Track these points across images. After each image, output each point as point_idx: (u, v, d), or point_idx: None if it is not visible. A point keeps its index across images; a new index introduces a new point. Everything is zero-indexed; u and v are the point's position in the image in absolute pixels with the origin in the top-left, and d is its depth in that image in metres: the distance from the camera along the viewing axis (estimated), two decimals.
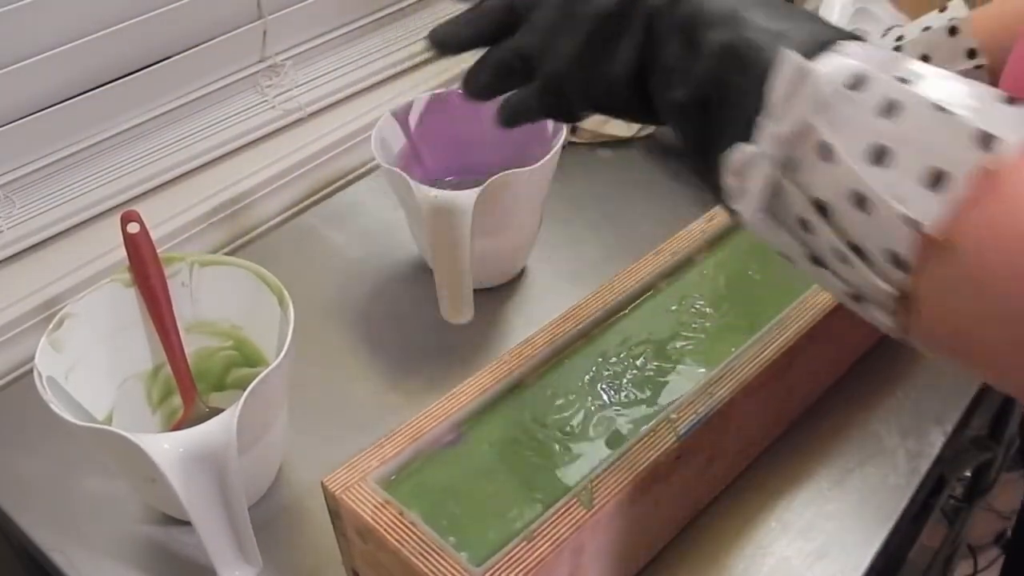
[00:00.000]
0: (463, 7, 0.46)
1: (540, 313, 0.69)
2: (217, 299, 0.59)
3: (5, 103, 0.68)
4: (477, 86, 0.44)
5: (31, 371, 0.51)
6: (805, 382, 0.58)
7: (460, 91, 0.46)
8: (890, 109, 0.30)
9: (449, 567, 0.42)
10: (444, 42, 0.45)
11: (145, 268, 0.57)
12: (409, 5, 0.97)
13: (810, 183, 0.32)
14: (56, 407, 0.48)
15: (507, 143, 0.73)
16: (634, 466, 0.46)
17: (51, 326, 0.53)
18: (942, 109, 0.29)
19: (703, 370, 0.53)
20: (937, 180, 0.29)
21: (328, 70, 0.89)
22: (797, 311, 0.55)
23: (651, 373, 0.53)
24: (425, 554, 0.43)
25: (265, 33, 0.83)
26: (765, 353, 0.53)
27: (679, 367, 0.53)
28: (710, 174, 0.36)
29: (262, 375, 0.48)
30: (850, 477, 0.56)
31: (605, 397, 0.51)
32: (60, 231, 0.73)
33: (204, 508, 0.46)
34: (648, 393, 0.51)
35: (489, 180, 0.60)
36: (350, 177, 0.88)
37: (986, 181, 0.28)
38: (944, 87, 0.30)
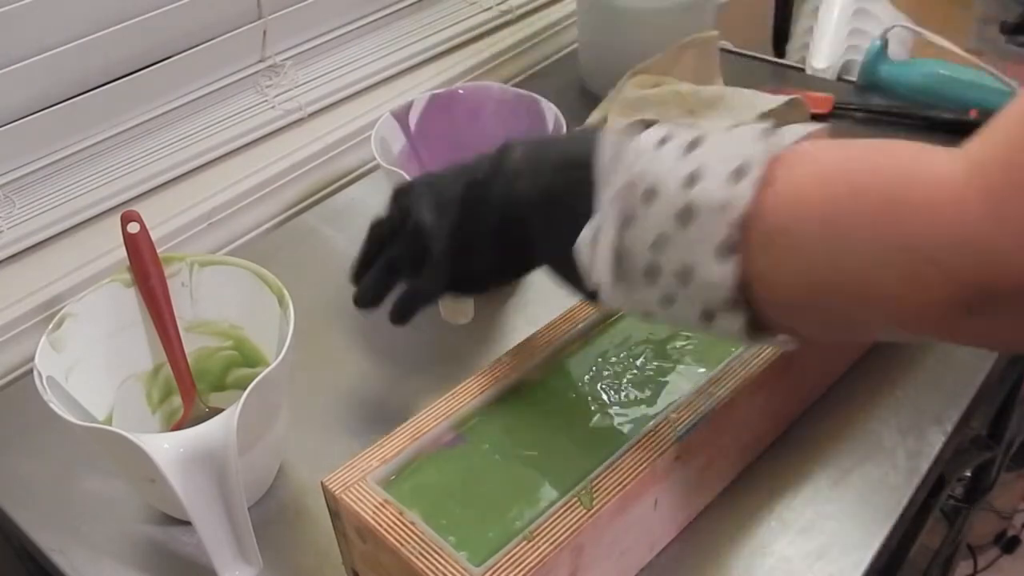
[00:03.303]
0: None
1: (540, 313, 0.69)
2: (217, 299, 0.59)
3: (5, 103, 0.69)
4: (365, 300, 0.54)
5: (31, 371, 0.51)
6: (805, 382, 0.58)
7: (354, 303, 0.54)
8: (693, 144, 0.39)
9: (449, 567, 0.42)
10: (364, 301, 0.54)
11: (145, 268, 0.57)
12: (409, 5, 0.97)
13: (645, 227, 0.39)
14: (56, 407, 0.48)
15: None
16: (634, 466, 0.46)
17: (51, 326, 0.53)
18: (734, 127, 0.38)
19: (703, 370, 0.53)
20: (739, 173, 0.36)
21: (328, 70, 0.90)
22: None
23: (651, 373, 0.53)
24: (425, 554, 0.43)
25: (265, 33, 0.83)
26: (765, 353, 0.53)
27: (679, 367, 0.53)
28: (572, 269, 0.43)
29: (262, 375, 0.48)
30: (850, 477, 0.56)
31: (605, 397, 0.51)
32: (60, 231, 0.73)
33: (204, 508, 0.46)
34: (648, 393, 0.51)
35: None
36: (350, 177, 0.88)
37: (775, 163, 0.36)
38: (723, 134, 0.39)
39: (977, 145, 0.32)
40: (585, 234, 0.42)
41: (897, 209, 0.33)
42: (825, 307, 0.37)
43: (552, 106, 0.70)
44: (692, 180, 0.38)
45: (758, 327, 0.39)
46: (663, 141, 0.40)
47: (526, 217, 0.46)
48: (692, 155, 0.39)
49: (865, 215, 0.34)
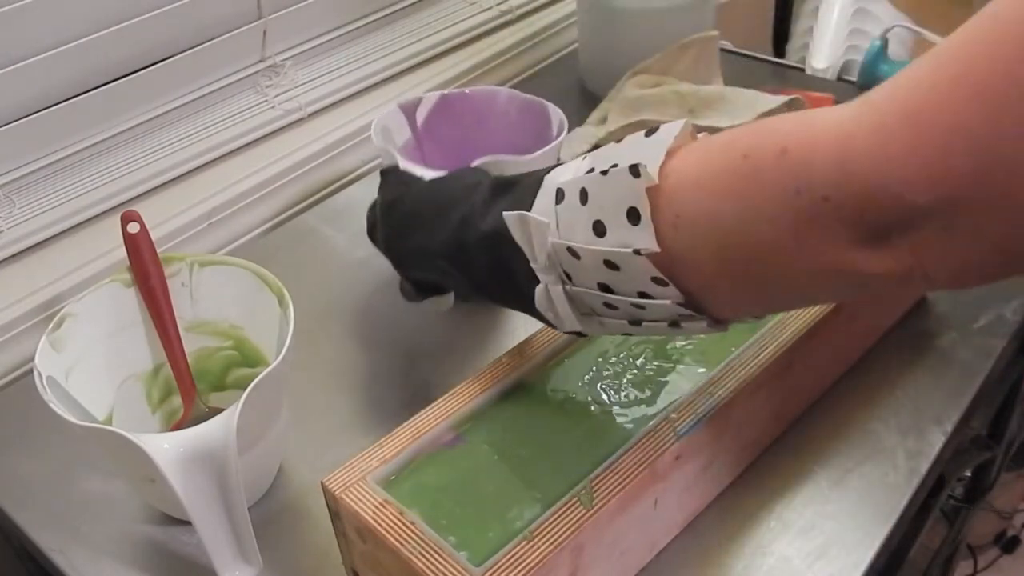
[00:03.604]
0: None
1: None
2: (217, 299, 0.59)
3: (5, 103, 0.69)
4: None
5: (31, 371, 0.51)
6: (805, 382, 0.58)
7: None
8: (584, 196, 0.40)
9: (449, 567, 0.42)
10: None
11: (145, 268, 0.57)
12: (409, 5, 0.97)
13: (585, 278, 0.42)
14: (56, 407, 0.48)
15: (512, 148, 0.73)
16: (634, 466, 0.46)
17: (51, 326, 0.53)
18: (604, 172, 0.39)
19: (703, 370, 0.53)
20: (634, 216, 0.38)
21: (328, 70, 0.90)
22: (797, 311, 0.55)
23: (651, 373, 0.53)
24: (425, 554, 0.43)
25: (265, 33, 0.83)
26: (765, 353, 0.53)
27: (679, 367, 0.53)
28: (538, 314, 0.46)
29: (262, 375, 0.48)
30: (850, 476, 0.56)
31: (605, 397, 0.51)
32: (60, 231, 0.73)
33: (204, 508, 0.46)
34: (648, 393, 0.51)
35: (479, 162, 0.60)
36: (350, 177, 0.88)
37: (653, 194, 0.37)
38: (606, 154, 0.41)
39: (874, 91, 0.32)
40: (539, 297, 0.44)
41: (789, 158, 0.33)
42: (755, 279, 0.37)
43: (558, 111, 0.70)
44: (599, 231, 0.40)
45: (720, 319, 0.40)
46: (559, 198, 0.42)
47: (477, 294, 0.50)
48: (588, 207, 0.40)
49: (760, 171, 0.34)
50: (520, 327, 0.69)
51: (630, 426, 0.49)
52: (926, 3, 1.12)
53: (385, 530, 0.44)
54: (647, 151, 0.38)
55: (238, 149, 0.82)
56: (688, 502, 0.53)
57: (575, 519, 0.44)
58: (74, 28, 0.70)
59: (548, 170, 0.45)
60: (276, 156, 0.83)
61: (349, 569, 0.52)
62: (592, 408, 0.51)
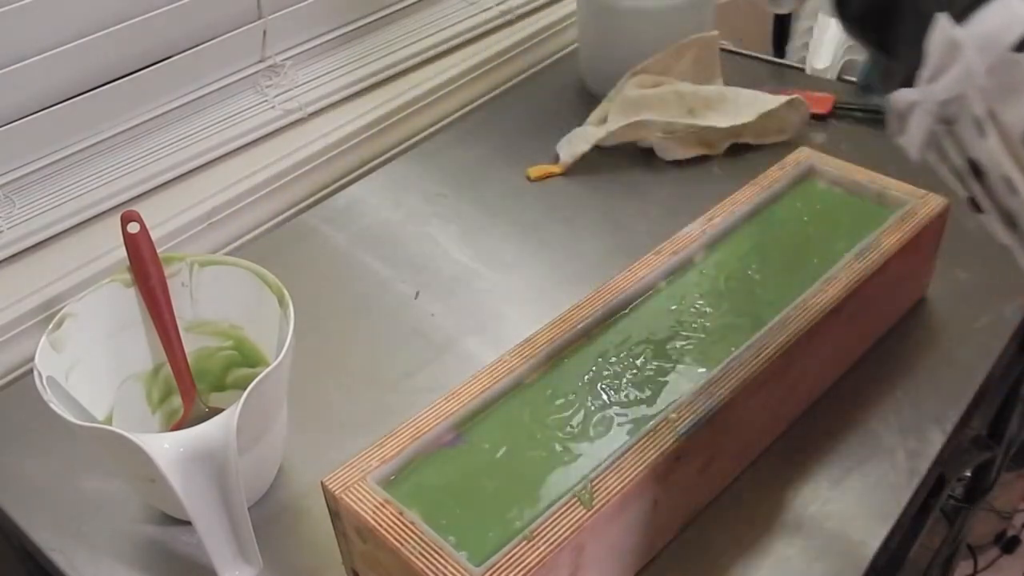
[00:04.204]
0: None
1: (540, 313, 0.69)
2: (217, 299, 0.59)
3: (5, 103, 0.69)
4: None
5: (31, 371, 0.51)
6: (805, 382, 0.58)
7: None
8: None
9: (449, 567, 0.42)
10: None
11: (145, 268, 0.57)
12: (409, 5, 0.97)
13: (966, 144, 0.32)
14: (56, 407, 0.48)
15: None
16: (634, 466, 0.46)
17: (51, 326, 0.53)
18: None
19: (703, 370, 0.53)
20: None
21: (328, 70, 0.90)
22: (797, 311, 0.55)
23: (651, 373, 0.53)
24: (425, 554, 0.43)
25: (265, 33, 0.83)
26: (765, 353, 0.53)
27: (679, 367, 0.53)
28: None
29: (262, 375, 0.48)
30: (850, 476, 0.56)
31: (605, 397, 0.51)
32: (60, 231, 0.73)
33: (204, 508, 0.46)
34: (648, 393, 0.51)
35: None
36: (350, 177, 0.88)
37: None
38: None
39: None
40: (898, 101, 0.34)
41: None
42: None
43: None
44: None
45: None
46: (1021, 47, 0.30)
47: None
48: None
49: None
50: (521, 327, 0.69)
51: (630, 426, 0.50)
52: None
53: (385, 530, 0.44)
54: None
55: (238, 149, 0.82)
56: (688, 502, 0.53)
57: (575, 519, 0.44)
58: (74, 28, 0.70)
59: None
60: (276, 156, 0.83)
61: (349, 569, 0.52)
62: (592, 408, 0.51)
